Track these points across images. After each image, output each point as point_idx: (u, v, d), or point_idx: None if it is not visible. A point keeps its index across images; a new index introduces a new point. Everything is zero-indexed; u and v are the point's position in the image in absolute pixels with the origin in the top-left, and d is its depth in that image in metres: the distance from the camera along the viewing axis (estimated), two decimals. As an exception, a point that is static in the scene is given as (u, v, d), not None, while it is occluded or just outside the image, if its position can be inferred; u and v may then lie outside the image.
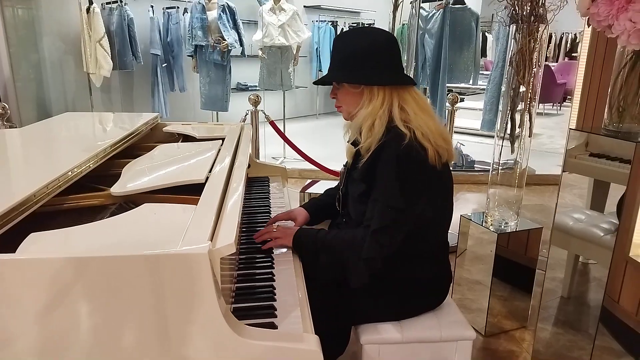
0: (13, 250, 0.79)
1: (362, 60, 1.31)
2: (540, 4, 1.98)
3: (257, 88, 6.09)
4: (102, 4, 5.21)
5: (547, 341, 2.04)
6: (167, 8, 5.76)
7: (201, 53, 4.99)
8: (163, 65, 5.69)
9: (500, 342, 2.14)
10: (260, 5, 5.78)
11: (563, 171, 1.82)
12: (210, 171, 1.30)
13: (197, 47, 5.01)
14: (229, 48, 4.89)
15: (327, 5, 8.00)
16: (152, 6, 5.63)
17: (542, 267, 2.16)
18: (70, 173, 1.13)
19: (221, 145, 1.63)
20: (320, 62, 7.69)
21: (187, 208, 1.02)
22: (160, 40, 5.67)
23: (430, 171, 1.26)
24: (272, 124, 3.38)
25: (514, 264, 2.26)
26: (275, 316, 1.03)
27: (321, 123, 7.90)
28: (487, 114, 4.81)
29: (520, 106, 2.09)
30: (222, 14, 4.85)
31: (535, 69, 2.04)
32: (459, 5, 4.55)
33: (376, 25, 8.58)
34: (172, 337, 0.82)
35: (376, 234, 1.24)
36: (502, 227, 2.16)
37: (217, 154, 1.49)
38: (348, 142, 1.46)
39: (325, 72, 7.20)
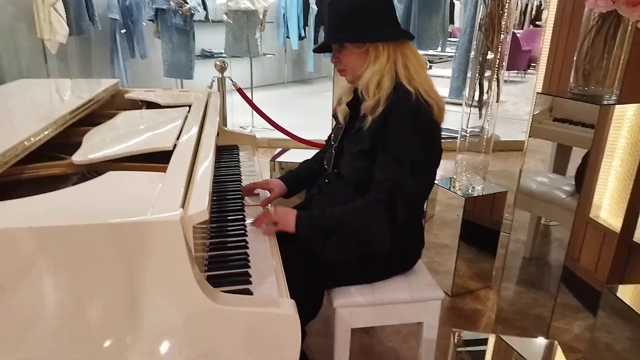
0: (-30, 222, 0.75)
1: (361, 18, 1.29)
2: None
3: (223, 55, 5.93)
4: (53, -35, 4.89)
5: (510, 299, 2.12)
6: (125, -31, 5.46)
7: (163, 17, 4.78)
8: (122, 31, 5.44)
9: (466, 302, 2.22)
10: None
11: (529, 137, 1.85)
12: (177, 139, 1.26)
13: (158, 11, 4.80)
14: (192, 12, 4.71)
15: (295, -32, 7.75)
16: (109, -34, 5.32)
17: (507, 229, 2.23)
18: (26, 142, 1.07)
19: (188, 112, 1.58)
20: (287, 28, 7.50)
21: (155, 176, 0.99)
22: (119, 3, 5.39)
23: (437, 127, 1.31)
24: (240, 91, 3.31)
25: (480, 227, 2.32)
26: (250, 282, 1.03)
27: (289, 91, 7.79)
28: (455, 81, 4.85)
29: (488, 73, 2.11)
30: (183, -25, 4.64)
31: (503, 35, 2.04)
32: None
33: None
34: (145, 308, 0.81)
35: (401, 192, 1.25)
36: (470, 191, 2.20)
37: (184, 122, 1.44)
38: (339, 104, 1.48)
39: (293, 39, 7.05)
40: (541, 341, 1.46)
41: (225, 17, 4.90)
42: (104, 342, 0.79)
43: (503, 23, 2.02)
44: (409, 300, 1.39)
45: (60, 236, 0.74)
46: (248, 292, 0.99)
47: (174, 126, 1.38)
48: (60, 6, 4.76)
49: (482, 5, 2.05)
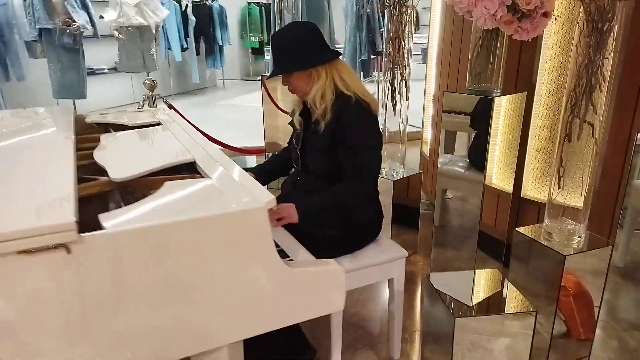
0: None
1: (301, 49, 1.64)
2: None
3: (105, 71, 5.75)
4: None
5: (434, 259, 2.62)
6: (-11, -14, 5.05)
7: (48, 37, 4.57)
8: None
9: (402, 267, 2.66)
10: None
11: (441, 128, 2.33)
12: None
13: (42, 31, 4.57)
14: (81, 30, 4.57)
15: (168, -19, 7.73)
16: (-30, -16, 4.88)
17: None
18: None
19: (168, 130, 1.77)
20: (168, 40, 7.46)
21: (203, 181, 1.21)
22: (-14, 24, 4.97)
23: (376, 118, 1.71)
24: (171, 107, 3.40)
25: (402, 205, 2.79)
26: (289, 255, 1.30)
27: (177, 103, 7.69)
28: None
29: (398, 77, 2.57)
30: (67, -7, 4.48)
31: (407, 45, 2.52)
32: (311, -15, 4.94)
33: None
34: (246, 278, 1.05)
35: (366, 170, 1.63)
36: (394, 176, 2.65)
37: (176, 137, 1.64)
38: (292, 114, 1.79)
39: (175, 50, 7.02)
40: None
41: (116, 34, 4.83)
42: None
43: (407, 37, 2.50)
44: (383, 262, 1.76)
45: (190, 228, 0.96)
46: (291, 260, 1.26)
47: (172, 143, 1.57)
48: None
49: (388, 23, 2.50)
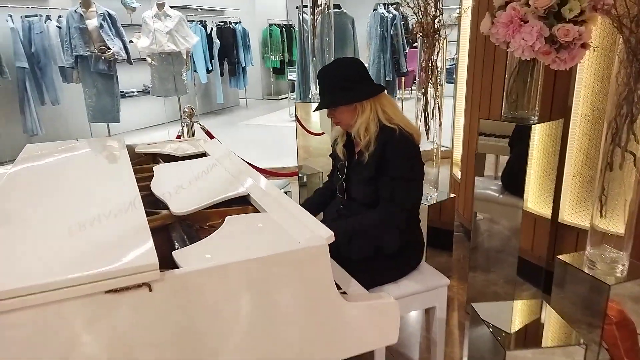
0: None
1: (348, 83, 1.71)
2: (439, 23, 2.50)
3: (136, 94, 5.92)
4: (-49, 15, 4.62)
5: (471, 284, 2.61)
6: (27, 16, 5.28)
7: (84, 63, 4.75)
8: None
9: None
10: (125, 7, 5.62)
11: (476, 152, 2.36)
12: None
13: (78, 58, 4.75)
14: (115, 57, 4.74)
15: (193, 5, 7.97)
16: (10, 15, 5.12)
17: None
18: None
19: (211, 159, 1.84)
20: (194, 62, 7.66)
21: (262, 216, 1.26)
22: (24, 51, 5.19)
23: (419, 151, 1.76)
24: (209, 134, 3.49)
25: (436, 228, 2.81)
26: (341, 287, 1.34)
27: (203, 123, 7.89)
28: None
29: (431, 103, 2.61)
30: (103, 22, 4.67)
31: (440, 74, 2.57)
32: (337, 10, 5.05)
33: (242, 22, 8.80)
34: (309, 313, 1.09)
35: (402, 201, 1.66)
36: (428, 199, 2.68)
37: (225, 169, 1.70)
38: (334, 144, 1.86)
39: (200, 72, 7.19)
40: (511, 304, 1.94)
41: (149, 60, 4.99)
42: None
43: (439, 65, 2.55)
44: (425, 290, 1.78)
45: (257, 266, 1.01)
46: (345, 294, 1.30)
47: (223, 174, 1.64)
48: (-35, 58, 4.51)
49: (421, 51, 2.56)
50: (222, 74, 8.44)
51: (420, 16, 2.52)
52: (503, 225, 2.53)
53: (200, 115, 8.35)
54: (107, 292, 0.88)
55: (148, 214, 1.41)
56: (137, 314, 0.92)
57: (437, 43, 2.54)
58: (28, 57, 5.20)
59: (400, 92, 6.20)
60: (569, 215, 2.42)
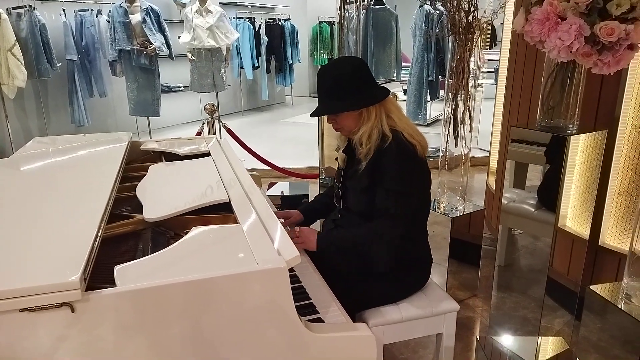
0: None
1: (351, 87, 1.53)
2: (474, 17, 2.29)
3: (181, 89, 6.01)
4: (7, 9, 4.83)
5: (495, 305, 2.39)
6: (80, 11, 5.47)
7: (126, 57, 4.85)
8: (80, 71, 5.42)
9: (458, 311, 2.45)
10: (175, 3, 5.69)
11: (506, 159, 2.14)
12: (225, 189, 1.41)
13: (122, 52, 4.86)
14: (157, 52, 4.81)
15: (243, 2, 8.01)
16: (63, 10, 5.32)
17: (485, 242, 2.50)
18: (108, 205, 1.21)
19: (214, 161, 1.74)
20: (241, 59, 7.70)
21: (233, 229, 1.15)
22: (75, 44, 5.39)
23: (420, 163, 1.55)
24: (230, 132, 3.44)
25: (462, 242, 2.59)
26: (318, 312, 1.20)
27: (246, 120, 7.94)
28: (411, 105, 5.21)
29: (461, 107, 2.40)
30: (146, 17, 4.74)
31: (472, 75, 2.35)
32: (380, 6, 4.86)
33: (291, 19, 8.75)
34: (260, 341, 0.97)
35: (393, 216, 1.49)
36: (453, 211, 2.47)
37: (219, 173, 1.60)
38: (337, 150, 1.69)
39: (247, 69, 7.18)
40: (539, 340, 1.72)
41: (189, 55, 5.02)
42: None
43: (472, 67, 2.33)
44: (430, 315, 1.61)
45: (202, 286, 0.89)
46: (321, 320, 1.16)
47: (213, 177, 1.54)
48: (17, 51, 4.71)
49: (453, 50, 2.35)
50: (268, 71, 8.44)
51: (453, 11, 2.31)
52: (534, 244, 2.30)
53: (244, 112, 8.42)
54: (22, 310, 0.80)
55: (123, 217, 1.35)
56: (59, 336, 0.83)
57: (469, 42, 2.32)
58: (78, 50, 5.39)
59: (444, 93, 5.91)
60: (612, 238, 2.15)
